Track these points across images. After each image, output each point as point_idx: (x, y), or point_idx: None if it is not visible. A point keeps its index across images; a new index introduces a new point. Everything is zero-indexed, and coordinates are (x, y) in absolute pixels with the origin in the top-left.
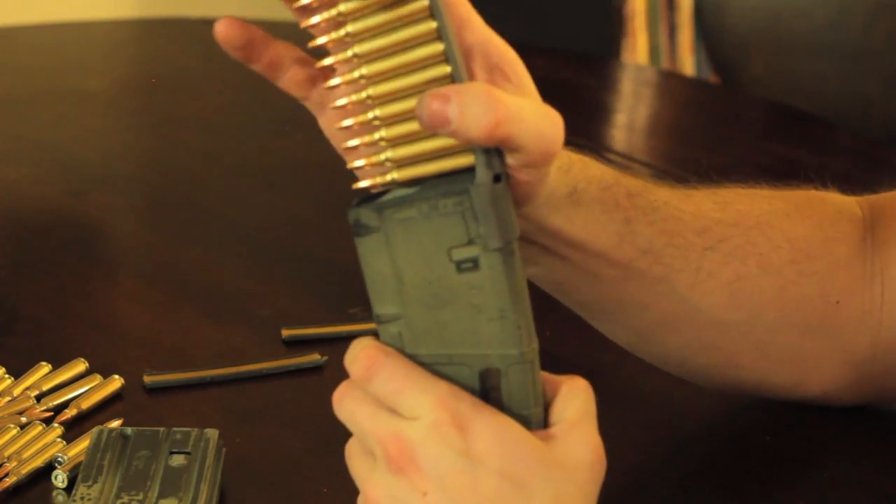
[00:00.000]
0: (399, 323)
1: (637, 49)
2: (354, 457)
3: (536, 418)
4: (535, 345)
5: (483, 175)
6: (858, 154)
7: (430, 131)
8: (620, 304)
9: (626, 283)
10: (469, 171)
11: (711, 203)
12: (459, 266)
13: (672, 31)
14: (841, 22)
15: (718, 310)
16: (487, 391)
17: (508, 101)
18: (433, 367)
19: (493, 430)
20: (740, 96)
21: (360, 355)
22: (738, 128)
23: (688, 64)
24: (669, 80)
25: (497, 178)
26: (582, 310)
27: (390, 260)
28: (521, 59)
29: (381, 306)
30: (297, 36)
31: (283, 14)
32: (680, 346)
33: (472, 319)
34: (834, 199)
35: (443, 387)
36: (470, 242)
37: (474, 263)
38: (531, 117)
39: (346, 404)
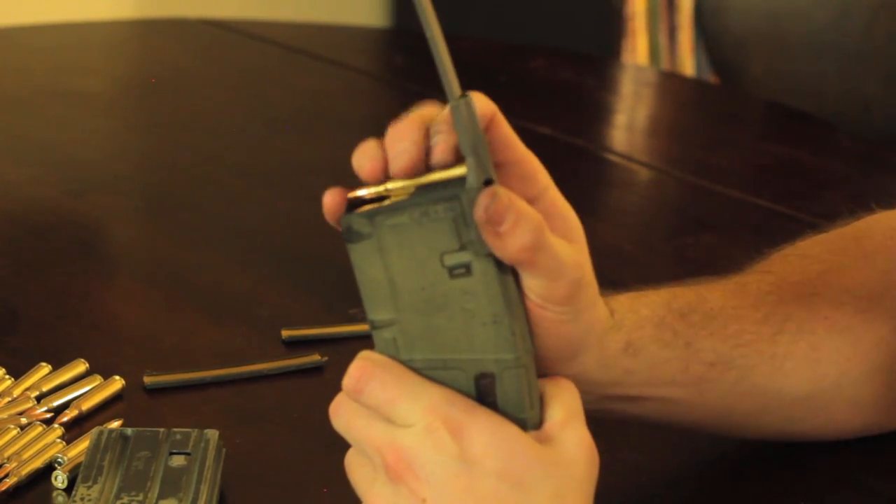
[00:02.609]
0: (393, 328)
1: (637, 49)
2: (354, 468)
3: (532, 422)
4: (531, 348)
5: (474, 180)
6: (858, 154)
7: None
8: (704, 415)
9: (704, 397)
10: (461, 179)
11: (766, 286)
12: (452, 272)
13: (672, 31)
14: (841, 22)
15: (803, 384)
16: (482, 396)
17: (551, 238)
18: (428, 373)
19: (487, 431)
20: (740, 96)
21: (351, 368)
22: (738, 128)
23: (688, 64)
24: (669, 81)
25: (487, 184)
26: (666, 427)
27: (383, 266)
28: (577, 217)
29: (375, 312)
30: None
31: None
32: (774, 424)
33: (465, 324)
34: (881, 221)
35: (435, 392)
36: (462, 248)
37: (467, 269)
38: (561, 255)
39: (342, 416)
